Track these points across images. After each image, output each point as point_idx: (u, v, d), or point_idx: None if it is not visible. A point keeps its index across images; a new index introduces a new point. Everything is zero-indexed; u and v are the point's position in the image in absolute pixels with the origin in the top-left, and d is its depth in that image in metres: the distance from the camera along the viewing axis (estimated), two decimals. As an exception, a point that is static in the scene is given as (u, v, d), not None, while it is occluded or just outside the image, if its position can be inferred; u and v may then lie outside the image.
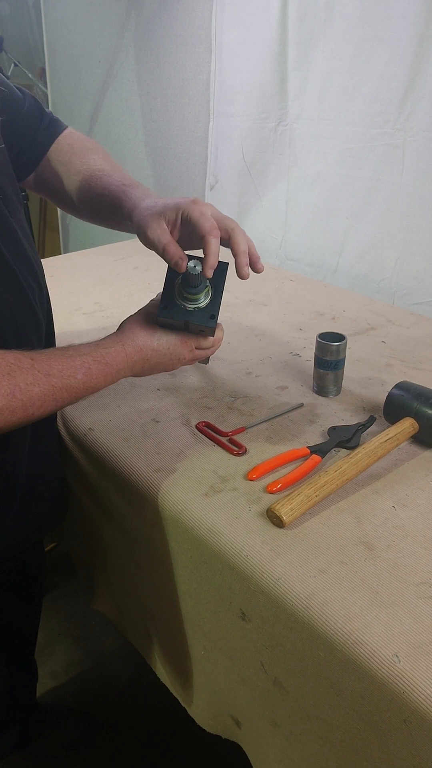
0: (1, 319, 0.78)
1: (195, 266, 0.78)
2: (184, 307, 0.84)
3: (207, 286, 0.84)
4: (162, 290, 0.86)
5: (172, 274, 0.84)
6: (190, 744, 1.40)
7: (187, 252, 0.82)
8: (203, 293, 0.84)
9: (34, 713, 1.38)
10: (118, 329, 0.88)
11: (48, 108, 2.75)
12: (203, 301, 0.84)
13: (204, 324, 0.84)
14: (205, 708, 0.98)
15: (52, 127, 0.99)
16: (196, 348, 0.88)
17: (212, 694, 0.95)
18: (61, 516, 1.09)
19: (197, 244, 0.82)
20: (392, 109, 1.52)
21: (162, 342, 0.85)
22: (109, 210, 0.93)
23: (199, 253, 0.81)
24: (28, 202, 2.92)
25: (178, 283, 0.84)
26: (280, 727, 0.82)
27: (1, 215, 0.79)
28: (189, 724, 1.02)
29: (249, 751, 0.92)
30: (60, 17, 2.53)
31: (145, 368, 0.85)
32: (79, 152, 0.99)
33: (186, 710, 1.03)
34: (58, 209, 2.98)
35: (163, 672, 1.07)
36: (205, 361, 0.98)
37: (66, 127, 1.01)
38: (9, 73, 2.77)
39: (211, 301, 0.84)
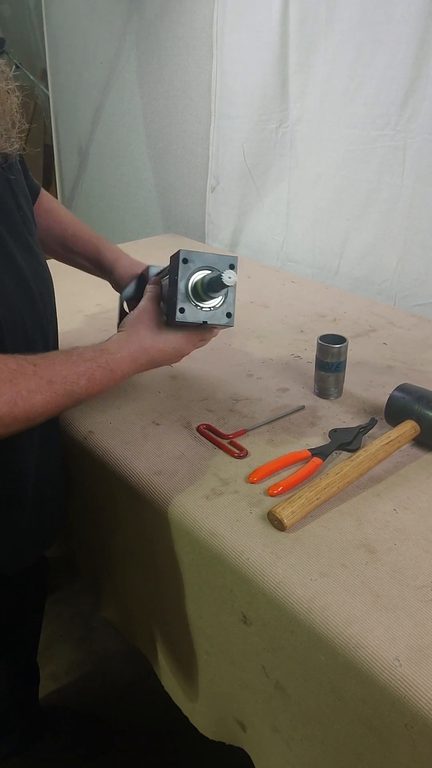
0: (14, 332, 0.78)
1: (230, 277, 0.80)
2: (201, 308, 0.85)
3: None
4: (169, 291, 0.87)
5: (180, 277, 0.84)
6: (192, 746, 1.39)
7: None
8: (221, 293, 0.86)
9: (36, 715, 1.38)
10: (121, 330, 0.88)
11: (50, 110, 2.76)
12: (219, 299, 0.86)
13: (223, 323, 0.86)
14: (208, 714, 0.97)
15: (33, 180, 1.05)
16: (200, 341, 0.91)
17: (215, 699, 0.94)
18: (61, 528, 1.08)
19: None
20: (393, 111, 1.52)
21: (168, 342, 0.87)
22: (86, 259, 1.17)
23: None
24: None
25: (193, 287, 0.85)
26: (281, 732, 0.82)
27: (21, 234, 0.82)
28: (191, 726, 1.02)
29: (253, 756, 0.92)
30: (61, 19, 2.53)
31: (150, 367, 0.88)
32: (55, 204, 1.18)
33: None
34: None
35: (166, 678, 1.06)
36: None
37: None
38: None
39: (225, 299, 0.87)
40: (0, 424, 0.69)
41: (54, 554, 1.32)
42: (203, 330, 0.90)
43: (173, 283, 0.86)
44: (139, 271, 1.11)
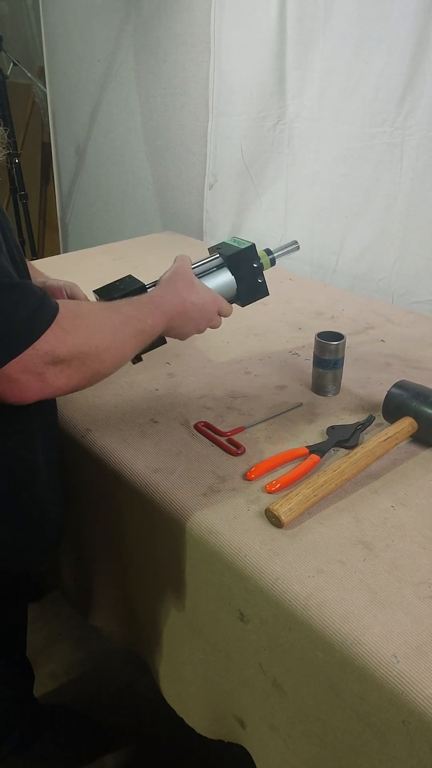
0: None
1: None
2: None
3: None
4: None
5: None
6: (191, 744, 1.39)
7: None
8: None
9: (35, 715, 1.38)
10: (157, 284, 0.96)
11: (48, 108, 2.76)
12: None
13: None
14: (206, 713, 0.97)
15: None
16: (221, 308, 0.99)
17: (214, 697, 0.94)
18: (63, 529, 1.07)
19: None
20: (391, 109, 1.52)
21: (200, 297, 0.94)
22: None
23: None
24: (27, 202, 2.93)
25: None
26: (279, 730, 0.82)
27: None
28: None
29: (253, 753, 0.92)
30: (59, 16, 2.52)
31: (180, 322, 0.92)
32: None
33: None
34: (58, 209, 2.98)
35: (162, 678, 1.06)
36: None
37: None
38: (8, 73, 2.76)
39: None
40: (112, 365, 0.78)
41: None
42: (224, 301, 0.99)
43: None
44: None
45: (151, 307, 0.87)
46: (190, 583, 0.89)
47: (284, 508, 0.81)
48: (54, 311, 0.70)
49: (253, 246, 1.04)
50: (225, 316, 1.01)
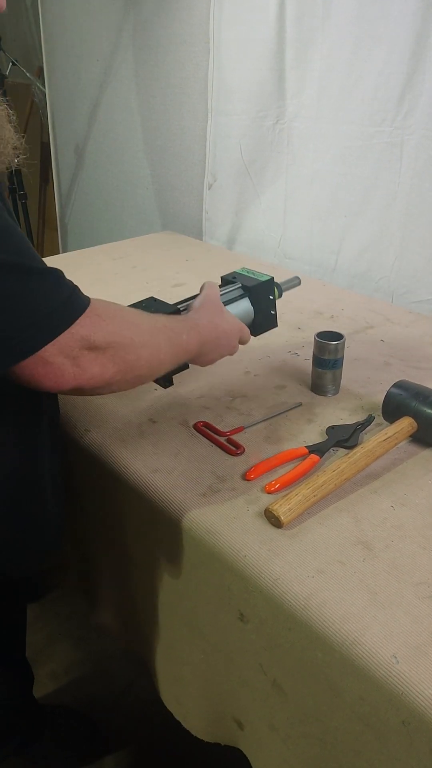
0: None
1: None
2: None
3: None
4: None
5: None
6: (190, 745, 1.39)
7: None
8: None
9: (35, 715, 1.38)
10: (188, 309, 0.98)
11: (47, 108, 2.76)
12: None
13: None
14: (204, 715, 0.97)
15: None
16: (243, 337, 1.01)
17: (212, 699, 0.94)
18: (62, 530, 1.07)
19: None
20: (390, 108, 1.51)
21: (229, 324, 0.97)
22: None
23: None
24: (26, 201, 2.93)
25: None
26: (278, 730, 0.81)
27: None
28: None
29: (250, 755, 0.91)
30: (57, 16, 2.52)
31: (210, 347, 0.94)
32: None
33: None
34: (57, 208, 2.98)
35: (160, 680, 1.06)
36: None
37: None
38: (7, 73, 2.76)
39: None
40: (148, 363, 0.79)
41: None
42: (245, 328, 1.02)
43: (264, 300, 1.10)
44: None
45: (186, 325, 0.89)
46: (190, 583, 0.89)
47: (284, 508, 0.81)
48: (87, 299, 0.72)
49: (272, 279, 1.10)
50: (244, 344, 1.04)
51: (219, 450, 0.98)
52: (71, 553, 1.22)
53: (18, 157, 0.81)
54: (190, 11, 1.93)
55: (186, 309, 1.00)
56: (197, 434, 1.02)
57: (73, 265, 1.82)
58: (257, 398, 1.12)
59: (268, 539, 0.80)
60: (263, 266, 1.84)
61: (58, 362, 0.68)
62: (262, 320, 1.11)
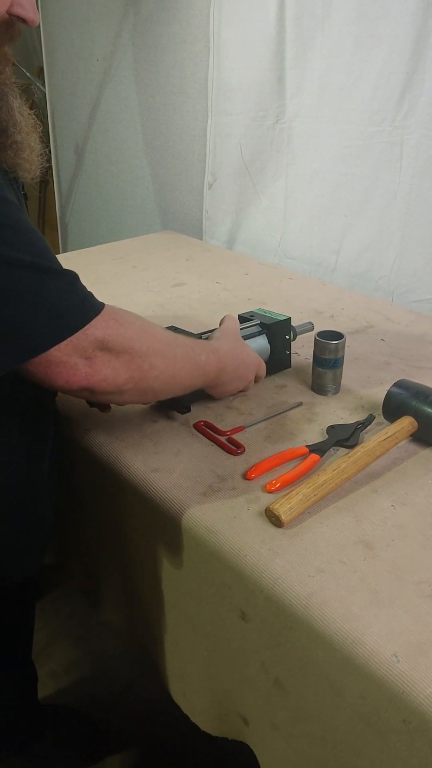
0: None
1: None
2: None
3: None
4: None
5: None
6: (192, 744, 1.40)
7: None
8: None
9: (36, 714, 1.38)
10: (209, 337, 0.99)
11: (47, 108, 2.76)
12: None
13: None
14: (209, 711, 0.97)
15: None
16: (258, 371, 1.04)
17: (217, 695, 0.94)
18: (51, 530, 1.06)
19: None
20: (390, 107, 1.51)
21: (248, 356, 1.01)
22: None
23: None
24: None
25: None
26: (280, 729, 0.82)
27: None
28: (191, 724, 1.01)
29: (257, 750, 0.91)
30: (57, 16, 2.52)
31: (227, 377, 0.96)
32: None
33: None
34: (57, 208, 2.98)
35: (167, 676, 1.06)
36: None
37: None
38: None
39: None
40: (162, 375, 0.79)
41: (49, 560, 1.31)
42: (261, 364, 1.06)
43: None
44: None
45: (206, 347, 0.90)
46: (191, 582, 0.89)
47: (284, 508, 0.81)
48: (102, 304, 0.73)
49: (289, 319, 1.14)
50: (259, 380, 1.07)
51: (219, 449, 0.98)
52: (73, 552, 1.22)
53: (42, 165, 0.83)
54: (190, 11, 1.93)
55: (207, 338, 1.00)
56: (198, 434, 1.02)
57: (73, 265, 1.80)
58: (257, 398, 1.12)
59: (268, 538, 0.80)
60: (263, 266, 1.84)
61: (71, 362, 0.69)
62: (277, 359, 1.15)
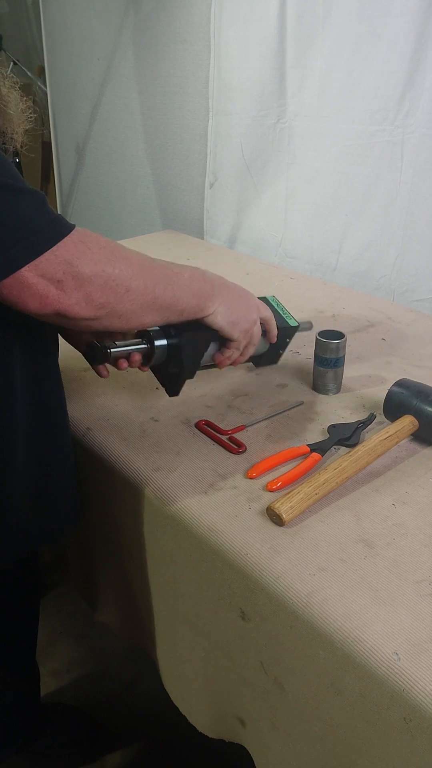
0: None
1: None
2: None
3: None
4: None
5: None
6: (191, 742, 1.40)
7: None
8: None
9: (37, 712, 1.38)
10: None
11: (48, 106, 2.76)
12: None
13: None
14: (207, 712, 0.97)
15: None
16: (261, 317, 0.97)
17: (215, 696, 0.94)
18: (73, 526, 1.06)
19: None
20: (391, 106, 1.51)
21: (241, 288, 0.94)
22: None
23: None
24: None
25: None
26: (279, 729, 0.82)
27: None
28: (191, 724, 1.02)
29: (253, 752, 0.92)
30: (58, 15, 2.52)
31: (227, 299, 0.89)
32: None
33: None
34: (58, 207, 2.98)
35: (165, 676, 1.06)
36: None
37: None
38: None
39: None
40: (141, 311, 0.77)
41: (46, 559, 1.32)
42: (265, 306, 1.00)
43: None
44: None
45: (189, 267, 0.86)
46: (191, 581, 0.89)
47: (285, 506, 0.81)
48: (72, 225, 0.71)
49: (297, 327, 1.09)
50: (265, 322, 0.98)
51: (221, 448, 0.98)
52: (72, 551, 1.22)
53: (28, 118, 0.82)
54: (191, 10, 1.93)
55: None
56: (199, 433, 1.02)
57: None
58: (259, 397, 1.12)
59: (269, 537, 0.80)
60: (264, 265, 1.84)
61: (41, 284, 0.68)
62: (270, 354, 1.11)
